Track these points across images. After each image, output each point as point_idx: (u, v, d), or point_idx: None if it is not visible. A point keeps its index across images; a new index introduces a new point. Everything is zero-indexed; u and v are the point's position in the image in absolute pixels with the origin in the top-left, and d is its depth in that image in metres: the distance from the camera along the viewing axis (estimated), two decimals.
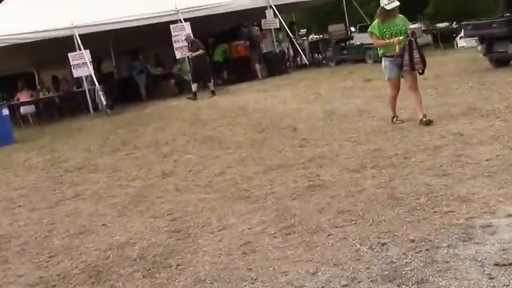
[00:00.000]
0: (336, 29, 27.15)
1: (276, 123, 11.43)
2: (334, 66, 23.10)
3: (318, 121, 10.97)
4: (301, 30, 26.22)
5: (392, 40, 9.25)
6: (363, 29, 22.50)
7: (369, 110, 11.25)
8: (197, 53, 19.43)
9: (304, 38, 26.26)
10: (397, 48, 9.22)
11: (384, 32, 9.36)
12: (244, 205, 6.50)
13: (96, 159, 10.94)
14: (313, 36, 30.88)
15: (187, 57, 22.40)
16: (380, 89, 13.54)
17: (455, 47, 26.06)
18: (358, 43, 22.03)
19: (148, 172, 9.01)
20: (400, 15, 9.53)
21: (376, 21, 9.51)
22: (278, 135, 10.21)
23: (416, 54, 9.19)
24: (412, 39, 9.27)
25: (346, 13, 25.71)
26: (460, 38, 26.16)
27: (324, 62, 24.65)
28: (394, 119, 9.70)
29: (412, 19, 26.12)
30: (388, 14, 9.33)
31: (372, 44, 21.14)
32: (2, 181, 10.31)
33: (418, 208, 5.52)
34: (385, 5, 9.22)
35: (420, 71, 9.41)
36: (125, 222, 6.63)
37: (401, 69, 9.36)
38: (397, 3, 9.21)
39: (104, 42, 23.49)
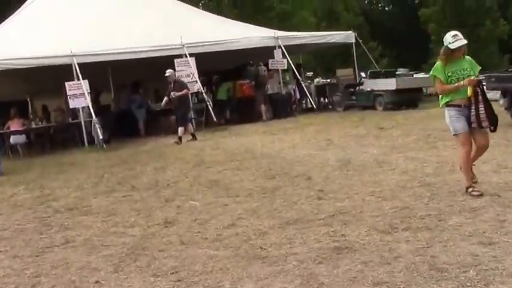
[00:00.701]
0: (344, 73, 26.47)
1: (287, 170, 10.54)
2: (342, 111, 22.29)
3: (333, 170, 10.09)
4: (308, 73, 25.44)
5: (462, 83, 7.55)
6: (374, 75, 21.80)
7: (389, 162, 10.37)
8: (181, 93, 17.66)
9: (310, 81, 25.48)
10: (468, 91, 7.52)
11: (449, 76, 7.68)
12: (261, 267, 5.61)
13: (89, 199, 10.00)
14: (319, 80, 30.19)
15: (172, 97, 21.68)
16: (397, 139, 12.80)
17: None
18: (369, 89, 21.26)
19: (148, 219, 8.08)
20: (467, 56, 7.89)
21: (438, 63, 7.81)
22: (291, 184, 9.32)
23: (482, 109, 7.51)
24: (478, 89, 7.60)
25: (355, 58, 24.93)
26: None
27: (330, 106, 23.85)
28: (470, 189, 7.60)
29: (417, 68, 25.68)
30: (452, 55, 7.67)
31: (382, 91, 21.10)
32: None
33: (468, 284, 4.71)
34: (450, 43, 7.60)
35: (491, 128, 7.72)
36: (121, 280, 5.69)
37: (469, 124, 7.64)
38: (465, 42, 7.61)
39: (102, 73, 22.68)
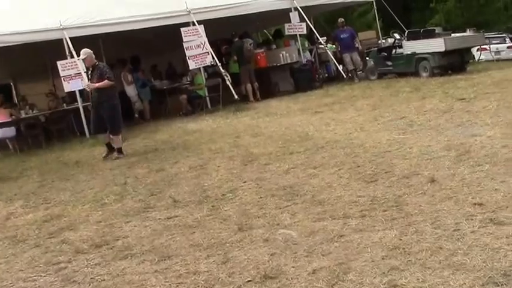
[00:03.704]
0: (366, 36, 23.40)
1: (385, 167, 7.65)
2: (376, 79, 19.23)
3: (455, 165, 7.18)
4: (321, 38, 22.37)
5: None
6: (413, 36, 18.73)
7: None
8: (98, 85, 12.00)
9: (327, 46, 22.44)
10: None
11: None
12: None
13: (120, 224, 7.10)
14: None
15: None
16: (498, 113, 9.87)
17: (476, 60, 22.36)
18: (409, 52, 18.14)
19: (228, 267, 5.18)
20: None
21: None
22: (413, 192, 6.41)
23: None
24: None
25: (377, 18, 21.89)
26: (477, 50, 22.62)
27: (358, 74, 20.80)
28: None
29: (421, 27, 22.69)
30: None
31: (428, 54, 17.86)
32: None
33: None
34: None
35: None
36: None
37: None
38: None
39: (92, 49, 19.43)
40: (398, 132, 9.72)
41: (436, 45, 17.29)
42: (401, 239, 5.08)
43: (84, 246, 6.42)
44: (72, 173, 11.17)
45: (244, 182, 8.18)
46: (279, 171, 8.48)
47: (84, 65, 13.66)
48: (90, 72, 12.45)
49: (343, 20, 21.53)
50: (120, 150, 12.16)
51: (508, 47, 29.20)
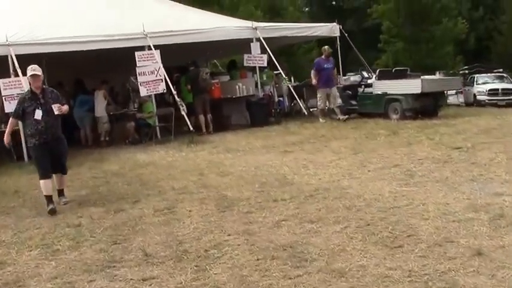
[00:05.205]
0: None
1: (405, 228, 6.42)
2: (340, 119, 18.03)
3: (495, 232, 6.01)
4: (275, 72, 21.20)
5: None
6: (384, 76, 17.71)
7: None
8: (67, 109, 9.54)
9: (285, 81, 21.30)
10: None
11: None
12: None
13: (81, 283, 5.67)
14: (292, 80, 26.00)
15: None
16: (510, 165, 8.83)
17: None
18: (379, 92, 17.08)
19: None
20: None
21: None
22: (461, 268, 5.17)
23: None
24: None
25: (339, 54, 20.83)
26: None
27: (306, 112, 19.61)
28: None
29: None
30: None
31: (400, 95, 16.52)
32: None
33: None
34: None
35: None
36: None
37: None
38: None
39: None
40: (399, 183, 8.53)
41: (411, 86, 16.32)
42: None
43: None
44: (12, 206, 9.58)
45: (229, 235, 6.82)
46: (267, 223, 7.14)
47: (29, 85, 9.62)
48: (35, 96, 9.12)
49: (328, 48, 18.94)
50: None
51: (457, 93, 28.63)
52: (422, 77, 17.25)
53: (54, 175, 9.45)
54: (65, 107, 9.34)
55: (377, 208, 7.30)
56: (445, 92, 18.52)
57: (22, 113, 9.21)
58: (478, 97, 28.27)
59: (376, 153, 11.12)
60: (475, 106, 27.05)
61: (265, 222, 7.18)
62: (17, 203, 9.83)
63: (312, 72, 18.75)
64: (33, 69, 9.11)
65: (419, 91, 16.02)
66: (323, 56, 18.59)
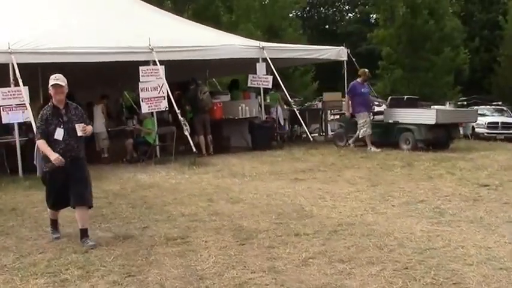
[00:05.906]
0: (332, 97, 21.70)
1: (449, 274, 5.86)
2: (346, 146, 17.47)
3: None
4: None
5: None
6: (396, 104, 17.22)
7: None
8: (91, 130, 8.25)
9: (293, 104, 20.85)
10: None
11: None
12: None
13: None
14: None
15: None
16: None
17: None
18: (391, 121, 16.59)
19: None
20: None
21: None
22: None
23: None
24: None
25: (346, 78, 20.28)
26: None
27: (305, 135, 19.16)
28: None
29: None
30: None
31: (413, 125, 15.63)
32: None
33: None
34: None
35: None
36: None
37: None
38: None
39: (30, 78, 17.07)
40: (429, 221, 8.01)
41: (425, 116, 15.85)
42: None
43: None
44: (11, 225, 8.97)
45: (253, 272, 6.26)
46: (293, 260, 6.59)
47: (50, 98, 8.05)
48: (57, 111, 7.73)
49: (367, 71, 17.88)
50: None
51: None
52: (436, 107, 16.77)
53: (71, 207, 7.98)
54: (89, 128, 7.97)
55: (411, 249, 6.75)
56: (459, 124, 17.94)
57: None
58: (477, 130, 27.72)
59: (397, 186, 10.59)
60: (473, 139, 26.60)
61: (290, 259, 6.62)
62: (15, 222, 9.22)
63: (346, 97, 17.80)
64: (57, 78, 7.66)
65: (433, 122, 15.53)
66: (359, 80, 17.50)
